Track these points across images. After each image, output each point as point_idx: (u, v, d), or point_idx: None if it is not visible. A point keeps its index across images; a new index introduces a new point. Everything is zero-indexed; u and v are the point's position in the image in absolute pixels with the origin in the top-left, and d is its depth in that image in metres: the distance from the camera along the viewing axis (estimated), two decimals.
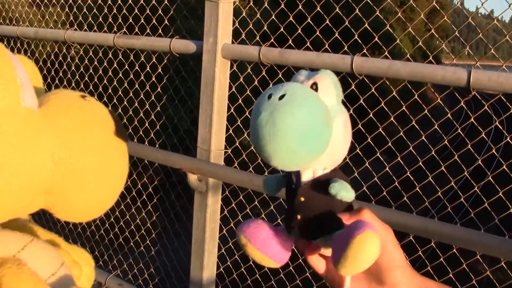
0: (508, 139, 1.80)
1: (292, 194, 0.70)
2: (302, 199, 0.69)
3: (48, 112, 0.59)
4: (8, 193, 0.53)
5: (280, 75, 2.22)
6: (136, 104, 3.03)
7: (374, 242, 0.62)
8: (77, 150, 0.59)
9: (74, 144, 0.59)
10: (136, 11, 2.99)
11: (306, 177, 0.69)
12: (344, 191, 0.66)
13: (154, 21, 2.84)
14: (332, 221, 0.69)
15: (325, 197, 0.68)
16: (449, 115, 1.91)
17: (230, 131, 2.39)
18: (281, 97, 0.62)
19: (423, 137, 1.98)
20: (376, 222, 0.69)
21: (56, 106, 0.60)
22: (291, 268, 2.32)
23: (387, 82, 1.93)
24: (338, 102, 0.68)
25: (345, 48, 2.05)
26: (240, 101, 2.44)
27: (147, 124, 3.02)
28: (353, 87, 2.02)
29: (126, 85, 3.08)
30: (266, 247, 0.71)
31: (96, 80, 3.26)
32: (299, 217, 0.69)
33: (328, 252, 0.73)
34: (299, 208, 0.69)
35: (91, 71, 3.28)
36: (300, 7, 2.16)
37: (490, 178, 1.88)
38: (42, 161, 0.56)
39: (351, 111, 1.90)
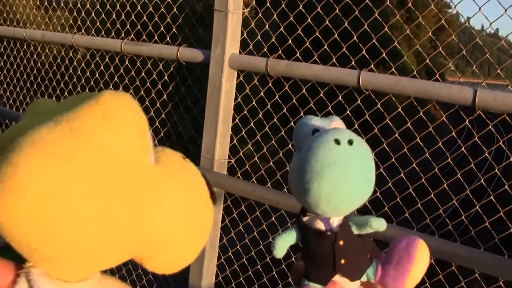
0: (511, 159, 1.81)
1: (326, 240, 0.71)
2: (341, 242, 0.70)
3: (164, 170, 0.60)
4: (115, 239, 0.54)
5: (286, 87, 2.23)
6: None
7: (426, 248, 0.70)
8: (185, 210, 0.61)
9: (182, 204, 0.61)
10: (145, 17, 3.01)
11: (337, 221, 0.71)
12: (377, 222, 0.71)
13: (162, 28, 2.86)
14: (367, 256, 0.73)
15: (358, 237, 0.72)
16: (453, 133, 1.92)
17: (235, 141, 2.39)
18: (350, 143, 0.66)
19: (427, 154, 1.99)
20: None
21: (169, 166, 0.62)
22: (290, 280, 2.32)
23: (393, 98, 1.94)
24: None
25: (353, 62, 2.06)
26: (245, 112, 2.45)
27: (151, 131, 3.01)
28: (358, 101, 2.03)
29: (132, 91, 3.09)
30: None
31: (101, 85, 3.27)
32: (343, 261, 0.71)
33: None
34: (341, 252, 0.71)
35: (97, 75, 3.29)
36: (309, 20, 2.18)
37: (491, 197, 1.89)
38: (153, 216, 0.57)
39: (356, 126, 1.92)
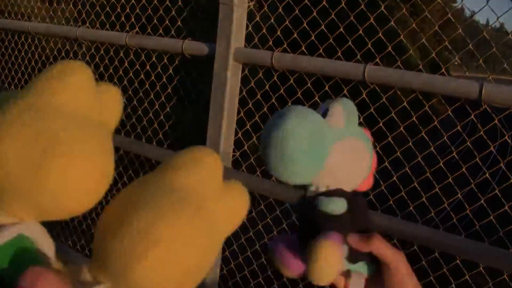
0: None
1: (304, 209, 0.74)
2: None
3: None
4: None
5: (291, 81, 2.24)
6: (146, 104, 3.04)
7: (327, 250, 0.66)
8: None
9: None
10: (149, 11, 3.01)
11: (309, 192, 0.72)
12: (328, 204, 0.70)
13: (167, 21, 2.86)
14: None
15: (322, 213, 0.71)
16: (459, 127, 1.92)
17: (239, 135, 2.40)
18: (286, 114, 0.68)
19: (432, 148, 1.99)
20: (387, 248, 0.70)
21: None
22: None
23: (398, 92, 1.94)
24: (347, 127, 0.70)
25: (358, 56, 2.06)
26: (250, 105, 2.45)
27: (156, 125, 3.03)
28: (364, 95, 2.03)
29: (136, 84, 3.09)
30: (283, 257, 0.73)
31: (106, 78, 3.28)
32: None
33: None
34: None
35: (101, 69, 3.29)
36: (314, 13, 2.18)
37: (496, 191, 1.89)
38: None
39: (361, 119, 1.92)
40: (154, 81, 2.96)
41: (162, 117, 3.00)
